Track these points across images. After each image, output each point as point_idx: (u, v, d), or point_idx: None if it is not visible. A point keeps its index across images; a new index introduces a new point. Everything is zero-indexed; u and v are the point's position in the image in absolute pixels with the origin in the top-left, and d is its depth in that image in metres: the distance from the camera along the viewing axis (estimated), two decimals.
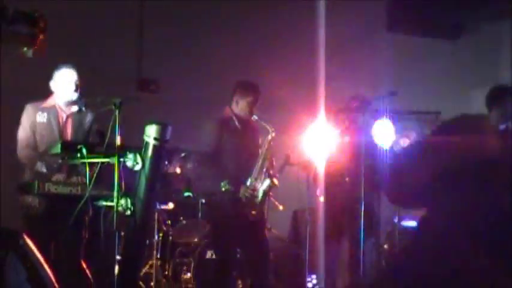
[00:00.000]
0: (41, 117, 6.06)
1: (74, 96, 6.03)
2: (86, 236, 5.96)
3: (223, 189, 6.23)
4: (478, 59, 9.62)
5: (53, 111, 6.10)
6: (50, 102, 6.14)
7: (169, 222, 7.72)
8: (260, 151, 6.37)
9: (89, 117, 6.19)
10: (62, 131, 6.06)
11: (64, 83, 6.07)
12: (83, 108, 6.10)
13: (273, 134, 6.32)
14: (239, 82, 6.54)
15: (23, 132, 6.07)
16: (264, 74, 8.37)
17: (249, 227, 6.34)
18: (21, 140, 6.06)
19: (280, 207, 7.22)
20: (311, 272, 7.54)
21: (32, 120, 6.06)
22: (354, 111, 6.82)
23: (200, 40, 8.95)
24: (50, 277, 4.96)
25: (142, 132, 5.43)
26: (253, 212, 6.33)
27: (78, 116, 6.15)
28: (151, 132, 5.38)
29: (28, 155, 5.98)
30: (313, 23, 9.34)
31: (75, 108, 6.13)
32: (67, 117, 6.12)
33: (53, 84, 6.13)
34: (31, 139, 6.03)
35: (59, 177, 5.76)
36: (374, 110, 6.94)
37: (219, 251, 6.64)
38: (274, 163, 6.43)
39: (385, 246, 8.09)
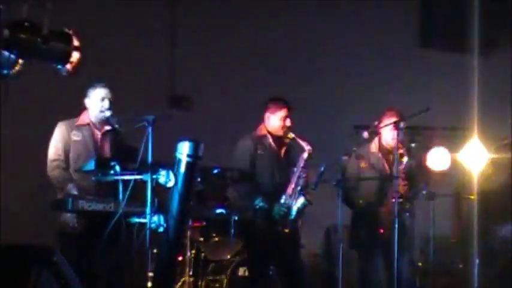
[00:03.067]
0: (76, 136, 6.02)
1: (108, 113, 6.02)
2: (119, 253, 5.94)
3: (257, 206, 6.22)
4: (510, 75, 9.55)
5: (87, 129, 6.05)
6: (83, 119, 6.10)
7: (202, 239, 7.70)
8: (295, 169, 6.36)
9: (122, 135, 6.18)
10: (98, 149, 6.02)
11: (98, 101, 6.05)
12: (118, 126, 6.08)
13: (309, 152, 6.30)
14: (269, 98, 6.56)
15: (54, 150, 6.02)
16: (297, 90, 8.38)
17: (282, 244, 6.31)
18: (52, 159, 6.00)
19: (312, 224, 7.19)
20: None
21: (66, 139, 6.01)
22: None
23: (232, 56, 8.96)
24: None
25: (175, 149, 5.43)
26: (286, 230, 6.31)
27: (112, 135, 6.13)
28: (184, 149, 5.39)
29: (59, 176, 5.93)
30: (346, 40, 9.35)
31: (108, 126, 6.10)
32: (102, 135, 6.10)
33: (88, 102, 6.12)
34: (62, 158, 5.98)
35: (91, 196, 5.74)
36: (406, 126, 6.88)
37: (252, 268, 6.62)
38: (308, 181, 6.40)
39: (419, 263, 8.02)
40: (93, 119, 6.09)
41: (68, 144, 6.01)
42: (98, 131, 6.09)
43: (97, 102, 6.05)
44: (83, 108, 6.16)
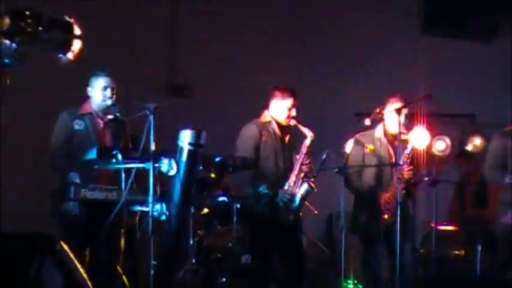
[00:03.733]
0: (78, 125, 6.00)
1: (109, 102, 6.01)
2: (121, 242, 5.95)
3: (261, 193, 6.23)
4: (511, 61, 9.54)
5: (89, 117, 6.04)
6: (86, 108, 6.09)
7: (204, 226, 7.70)
8: (298, 156, 6.37)
9: (124, 124, 6.17)
10: (100, 138, 6.02)
11: (101, 90, 6.03)
12: (119, 115, 6.07)
13: (311, 139, 6.31)
14: (277, 87, 6.56)
15: (56, 140, 6.01)
16: (298, 77, 8.37)
17: (284, 231, 6.32)
18: (54, 149, 6.00)
19: (315, 212, 7.18)
20: (347, 277, 7.49)
21: (68, 128, 6.00)
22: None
23: (234, 44, 8.95)
24: (86, 282, 4.98)
25: (177, 137, 5.43)
26: (291, 217, 6.31)
27: (115, 124, 6.11)
28: (185, 138, 5.39)
29: (61, 165, 5.91)
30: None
31: (111, 115, 6.09)
32: (104, 124, 6.09)
33: (90, 91, 6.09)
34: (65, 147, 5.97)
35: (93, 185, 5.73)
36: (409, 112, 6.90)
37: (255, 255, 6.62)
38: (312, 167, 6.40)
39: (421, 250, 8.02)
40: (96, 108, 6.07)
41: (71, 133, 6.00)
42: (101, 120, 6.07)
43: (99, 91, 6.03)
44: (85, 97, 6.15)
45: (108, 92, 6.01)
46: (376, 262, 6.73)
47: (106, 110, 6.06)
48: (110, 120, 6.08)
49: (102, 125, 6.07)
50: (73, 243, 5.31)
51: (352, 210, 6.87)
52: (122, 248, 5.96)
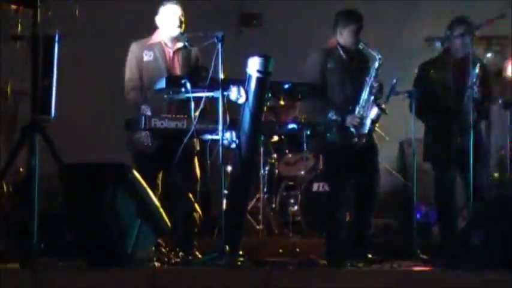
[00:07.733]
0: (148, 56, 6.02)
1: (178, 31, 6.02)
2: (194, 170, 6.00)
3: (331, 119, 6.18)
4: None
5: (158, 47, 6.05)
6: (155, 38, 6.10)
7: (275, 155, 7.73)
8: (367, 78, 6.26)
9: (194, 53, 6.17)
10: (169, 67, 6.02)
11: (168, 18, 6.02)
12: (187, 44, 6.07)
13: (381, 61, 6.20)
14: (340, 12, 6.44)
15: (128, 71, 6.07)
16: (367, 3, 8.22)
17: (358, 156, 6.25)
18: (128, 81, 6.06)
19: (386, 138, 7.12)
20: (420, 203, 7.44)
21: (139, 59, 6.03)
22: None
23: None
24: (159, 210, 5.08)
25: (246, 65, 5.43)
26: (363, 140, 6.24)
27: (184, 52, 6.11)
28: (254, 65, 5.38)
29: (134, 98, 5.98)
30: None
31: (180, 44, 6.10)
32: (173, 53, 6.08)
33: (158, 19, 6.10)
34: (137, 80, 6.02)
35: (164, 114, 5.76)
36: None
37: (329, 182, 6.59)
38: (382, 91, 6.30)
39: (496, 174, 7.90)
40: (164, 38, 6.09)
41: (141, 64, 6.04)
42: (170, 49, 6.09)
43: (167, 20, 6.03)
44: (154, 27, 6.17)
45: (176, 20, 6.00)
46: (450, 187, 6.64)
47: (175, 39, 6.06)
48: (179, 49, 6.10)
49: (171, 54, 6.08)
50: (146, 171, 5.43)
51: (423, 136, 6.78)
52: (194, 176, 6.01)
